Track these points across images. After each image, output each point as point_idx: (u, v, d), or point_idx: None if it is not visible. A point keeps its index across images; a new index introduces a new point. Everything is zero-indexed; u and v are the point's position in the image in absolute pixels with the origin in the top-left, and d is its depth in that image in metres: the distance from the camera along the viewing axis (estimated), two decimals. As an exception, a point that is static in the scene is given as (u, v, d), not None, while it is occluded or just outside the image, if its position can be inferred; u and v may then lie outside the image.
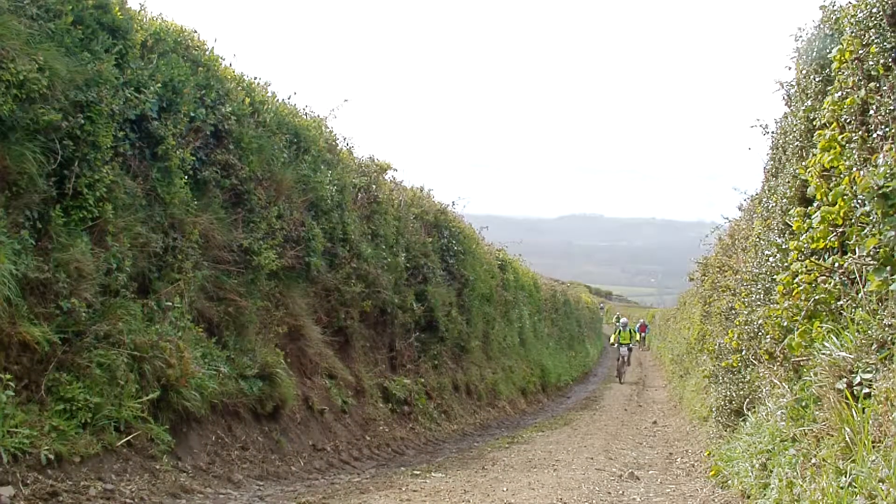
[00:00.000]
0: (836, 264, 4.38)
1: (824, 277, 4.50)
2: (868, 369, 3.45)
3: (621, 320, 23.89)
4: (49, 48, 4.56)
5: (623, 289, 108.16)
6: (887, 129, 4.07)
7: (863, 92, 4.36)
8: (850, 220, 4.22)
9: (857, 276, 4.10)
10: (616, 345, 23.12)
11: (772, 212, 6.37)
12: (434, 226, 12.49)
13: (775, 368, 5.35)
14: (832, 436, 3.53)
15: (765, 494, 4.25)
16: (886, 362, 3.36)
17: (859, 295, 3.99)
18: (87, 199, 4.84)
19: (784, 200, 5.87)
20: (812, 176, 4.81)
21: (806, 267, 4.69)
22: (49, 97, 4.54)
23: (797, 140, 5.77)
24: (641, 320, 38.83)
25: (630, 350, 23.39)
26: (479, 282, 14.18)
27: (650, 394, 18.59)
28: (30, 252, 4.42)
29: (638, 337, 25.10)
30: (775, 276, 5.47)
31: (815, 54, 5.50)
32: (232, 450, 5.94)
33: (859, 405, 3.34)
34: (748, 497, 4.67)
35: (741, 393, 6.67)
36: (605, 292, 75.29)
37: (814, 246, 4.64)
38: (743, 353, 6.69)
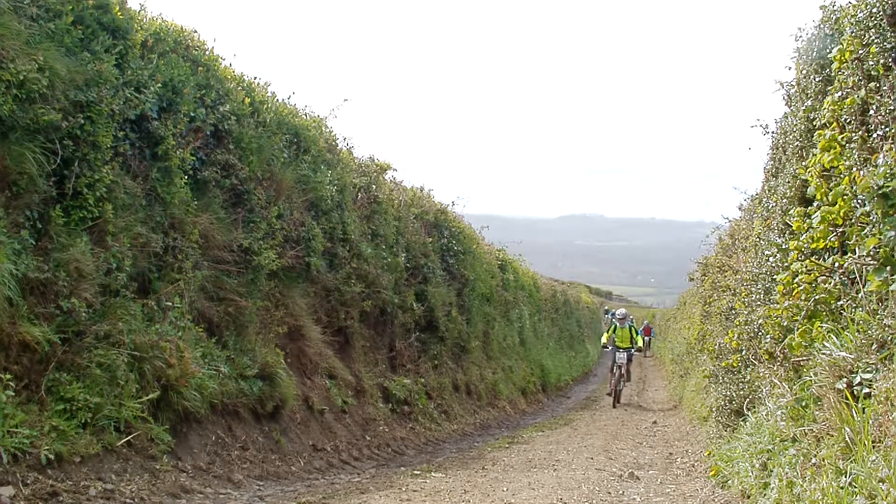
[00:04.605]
0: (836, 264, 4.38)
1: (824, 277, 4.50)
2: (868, 369, 3.44)
3: (618, 312, 16.17)
4: (49, 48, 4.56)
5: (623, 289, 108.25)
6: (887, 129, 4.07)
7: (863, 92, 4.36)
8: (850, 220, 4.22)
9: (857, 276, 4.10)
10: (610, 347, 15.65)
11: (772, 212, 6.37)
12: (434, 226, 12.49)
13: (775, 368, 5.35)
14: (832, 436, 3.53)
15: (765, 494, 4.25)
16: (886, 362, 3.36)
17: (859, 295, 3.99)
18: (87, 199, 4.84)
19: (784, 200, 5.87)
20: (812, 176, 4.81)
21: (806, 267, 4.69)
22: (49, 97, 4.54)
23: (797, 140, 5.77)
24: (645, 322, 36.74)
25: (630, 357, 15.44)
26: (479, 282, 14.19)
27: (650, 394, 18.58)
28: (30, 252, 4.42)
29: (641, 342, 16.35)
30: (775, 276, 5.46)
31: (815, 54, 5.50)
32: (232, 450, 5.94)
33: (859, 405, 3.34)
34: (748, 497, 4.67)
35: (741, 393, 6.66)
36: (605, 292, 75.34)
37: (814, 246, 4.64)
38: (743, 353, 6.69)
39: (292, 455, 6.65)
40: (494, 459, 7.49)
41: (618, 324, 15.37)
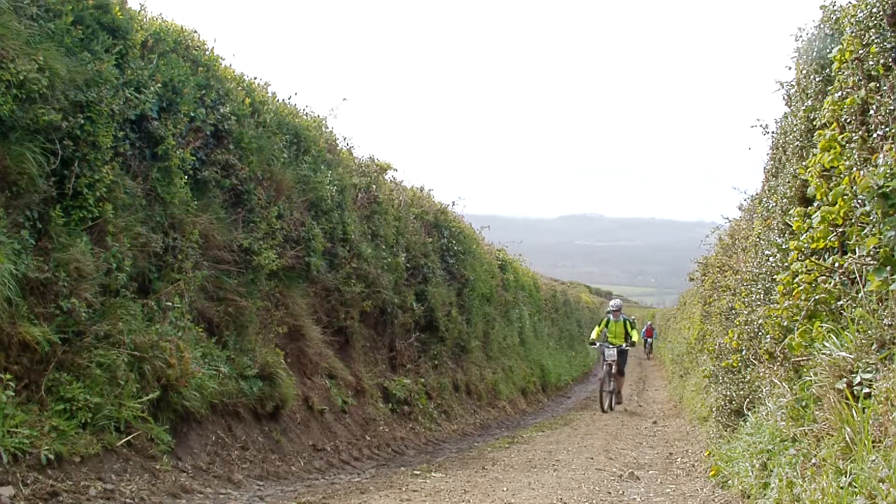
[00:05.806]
0: (836, 264, 4.38)
1: (824, 277, 4.50)
2: (868, 369, 3.44)
3: (612, 303, 14.18)
4: (49, 48, 4.56)
5: (623, 289, 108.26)
6: (887, 129, 4.07)
7: (863, 92, 4.36)
8: (850, 220, 4.22)
9: (857, 276, 4.10)
10: (598, 344, 13.34)
11: (772, 212, 6.37)
12: (434, 226, 12.50)
13: (775, 368, 5.35)
14: (832, 436, 3.53)
15: (765, 494, 4.25)
16: (886, 362, 3.36)
17: (859, 295, 3.99)
18: (87, 199, 4.84)
19: (784, 200, 5.87)
20: (812, 176, 4.81)
21: (806, 267, 4.69)
22: (49, 97, 4.54)
23: (797, 140, 5.77)
24: (648, 322, 36.85)
25: (623, 355, 13.08)
26: (479, 282, 14.19)
27: (650, 394, 18.57)
28: (30, 252, 4.42)
29: (637, 336, 13.77)
30: (775, 276, 5.46)
31: (815, 54, 5.50)
32: (232, 450, 5.94)
33: (859, 405, 3.34)
34: (748, 497, 4.67)
35: (741, 393, 6.66)
36: (605, 292, 75.36)
37: (814, 246, 4.64)
38: (743, 353, 6.68)
39: (292, 455, 6.65)
40: (494, 459, 7.49)
41: (611, 317, 13.31)
